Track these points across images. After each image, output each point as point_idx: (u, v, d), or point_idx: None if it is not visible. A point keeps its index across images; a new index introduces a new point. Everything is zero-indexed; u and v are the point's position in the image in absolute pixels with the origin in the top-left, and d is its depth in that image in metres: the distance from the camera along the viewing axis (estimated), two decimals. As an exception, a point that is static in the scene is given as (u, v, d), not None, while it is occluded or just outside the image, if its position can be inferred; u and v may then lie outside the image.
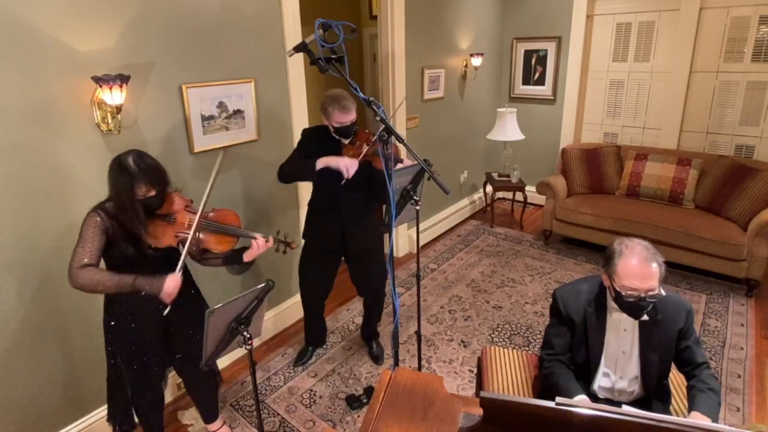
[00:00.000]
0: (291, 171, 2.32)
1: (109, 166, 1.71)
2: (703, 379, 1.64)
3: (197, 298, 2.08)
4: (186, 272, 2.03)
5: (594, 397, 1.78)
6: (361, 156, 2.20)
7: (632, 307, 1.57)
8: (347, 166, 2.13)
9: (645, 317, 1.62)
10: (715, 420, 1.52)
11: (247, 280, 2.93)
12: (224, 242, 1.88)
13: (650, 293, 1.53)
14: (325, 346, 3.01)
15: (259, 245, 1.90)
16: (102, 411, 2.32)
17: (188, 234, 1.76)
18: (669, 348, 1.68)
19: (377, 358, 2.87)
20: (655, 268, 1.53)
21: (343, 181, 2.14)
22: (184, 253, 1.78)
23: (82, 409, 2.28)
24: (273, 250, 2.05)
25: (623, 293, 1.55)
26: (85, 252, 1.68)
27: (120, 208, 1.69)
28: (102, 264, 1.77)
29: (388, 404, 1.41)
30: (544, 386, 1.84)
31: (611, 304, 1.68)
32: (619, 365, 1.71)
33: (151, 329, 1.89)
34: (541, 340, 2.99)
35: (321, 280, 2.66)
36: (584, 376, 1.77)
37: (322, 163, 2.18)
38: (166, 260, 1.82)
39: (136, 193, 1.68)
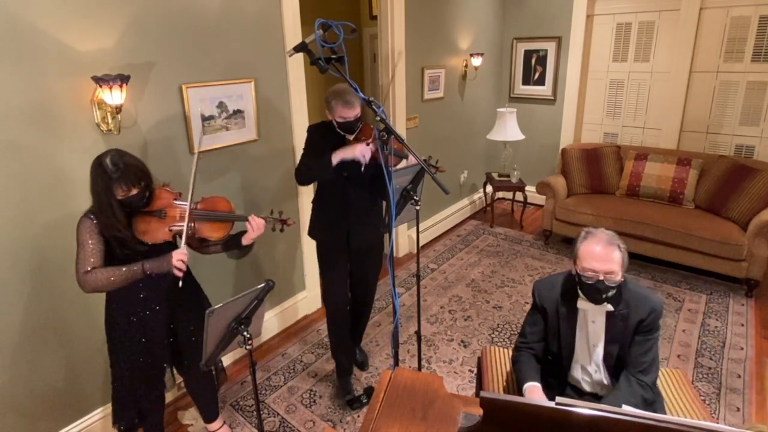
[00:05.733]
0: (309, 172, 2.28)
1: (90, 167, 1.69)
2: (623, 382, 1.63)
3: (199, 297, 2.08)
4: (187, 271, 2.04)
5: (572, 387, 1.81)
6: (370, 143, 2.18)
7: (591, 289, 1.60)
8: (362, 152, 2.12)
9: (609, 307, 1.64)
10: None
11: (248, 280, 2.93)
12: (219, 229, 1.90)
13: (609, 276, 1.56)
14: (326, 348, 3.01)
15: (253, 226, 1.91)
16: (102, 411, 2.32)
17: (182, 226, 1.77)
18: (630, 341, 1.69)
19: (362, 365, 2.83)
20: (615, 252, 1.58)
21: (362, 168, 2.14)
22: (185, 230, 1.77)
23: (82, 409, 2.28)
24: (269, 230, 2.03)
25: (583, 274, 1.60)
26: (86, 257, 1.69)
27: (98, 209, 1.69)
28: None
29: (388, 404, 1.40)
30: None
31: (580, 294, 1.70)
32: (591, 357, 1.74)
33: (153, 328, 1.89)
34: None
35: (344, 282, 2.54)
36: (560, 366, 1.81)
37: (337, 157, 2.15)
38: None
39: (115, 194, 1.66)
